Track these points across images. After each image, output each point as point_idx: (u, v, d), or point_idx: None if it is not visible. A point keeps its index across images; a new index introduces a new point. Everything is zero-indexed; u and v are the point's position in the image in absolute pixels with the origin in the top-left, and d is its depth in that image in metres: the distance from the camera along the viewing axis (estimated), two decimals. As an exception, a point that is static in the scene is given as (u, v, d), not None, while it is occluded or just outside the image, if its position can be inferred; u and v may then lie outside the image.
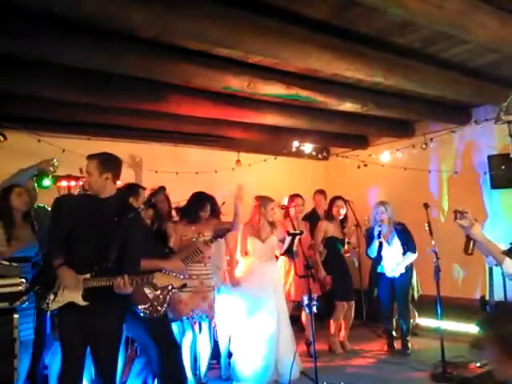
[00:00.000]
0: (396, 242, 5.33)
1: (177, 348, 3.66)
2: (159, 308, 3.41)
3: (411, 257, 5.31)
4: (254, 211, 4.70)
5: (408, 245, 5.30)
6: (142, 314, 3.35)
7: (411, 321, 5.62)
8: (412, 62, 4.18)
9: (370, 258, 5.58)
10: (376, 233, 5.30)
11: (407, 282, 5.40)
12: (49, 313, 3.03)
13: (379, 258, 5.42)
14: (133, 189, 3.70)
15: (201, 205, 4.23)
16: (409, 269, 5.37)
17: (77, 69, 3.85)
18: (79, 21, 3.19)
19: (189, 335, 4.14)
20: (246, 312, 4.47)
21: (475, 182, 6.01)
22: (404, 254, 5.31)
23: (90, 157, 3.02)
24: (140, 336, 3.54)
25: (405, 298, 5.39)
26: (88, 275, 2.88)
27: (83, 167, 3.15)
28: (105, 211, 2.98)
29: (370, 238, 5.45)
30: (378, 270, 5.47)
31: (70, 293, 2.89)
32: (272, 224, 4.71)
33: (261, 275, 4.55)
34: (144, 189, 3.78)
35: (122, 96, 4.50)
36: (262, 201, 4.69)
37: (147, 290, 3.32)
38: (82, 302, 2.88)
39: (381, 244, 5.34)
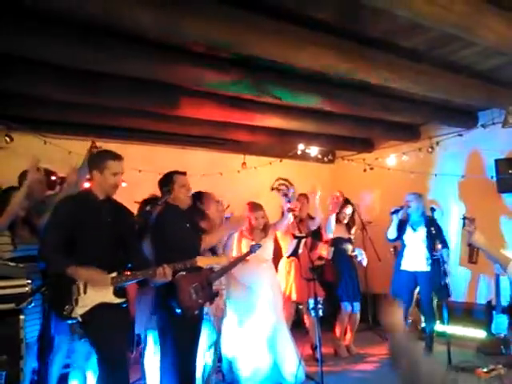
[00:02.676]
0: (422, 229, 5.12)
1: (195, 349, 3.52)
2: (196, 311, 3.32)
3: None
4: (246, 217, 4.68)
5: (440, 238, 4.94)
6: (177, 310, 3.23)
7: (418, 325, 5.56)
8: (420, 64, 4.17)
9: (389, 240, 5.37)
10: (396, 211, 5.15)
11: (435, 278, 4.84)
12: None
13: (401, 253, 5.21)
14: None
15: (204, 201, 4.22)
16: (436, 264, 4.83)
17: (84, 71, 3.87)
18: (89, 23, 3.21)
19: (210, 336, 4.08)
20: (244, 315, 4.43)
21: (482, 186, 5.99)
22: (428, 246, 4.98)
23: (121, 157, 3.06)
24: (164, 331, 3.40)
25: (430, 296, 5.12)
26: (114, 274, 2.87)
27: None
28: (109, 210, 3.03)
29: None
30: (401, 268, 5.19)
31: (98, 292, 2.82)
32: (264, 230, 4.68)
33: (257, 277, 4.51)
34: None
35: (129, 98, 4.50)
36: (251, 208, 4.67)
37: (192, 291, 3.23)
38: (116, 300, 2.87)
39: (404, 228, 5.17)
